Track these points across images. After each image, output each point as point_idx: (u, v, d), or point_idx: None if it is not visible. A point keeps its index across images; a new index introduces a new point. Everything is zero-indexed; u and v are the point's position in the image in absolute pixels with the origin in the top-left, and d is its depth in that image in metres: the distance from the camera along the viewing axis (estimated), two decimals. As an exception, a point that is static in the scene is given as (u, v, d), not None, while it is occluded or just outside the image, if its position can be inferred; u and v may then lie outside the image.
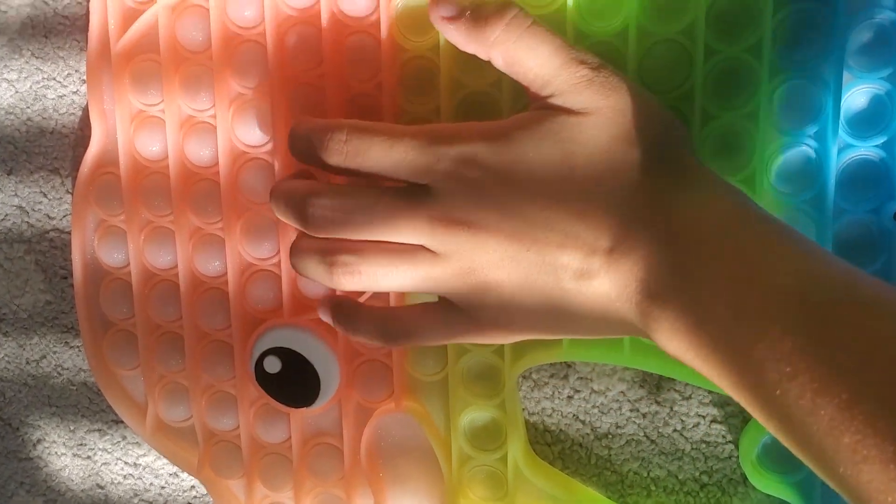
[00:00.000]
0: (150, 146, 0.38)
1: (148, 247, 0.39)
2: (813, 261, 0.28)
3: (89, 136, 0.38)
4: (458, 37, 0.31)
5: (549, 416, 0.39)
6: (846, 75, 0.33)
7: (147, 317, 0.40)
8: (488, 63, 0.32)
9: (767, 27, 0.33)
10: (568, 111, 0.30)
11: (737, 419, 0.38)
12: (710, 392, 0.38)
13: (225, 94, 0.37)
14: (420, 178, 0.31)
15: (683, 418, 0.38)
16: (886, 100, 0.33)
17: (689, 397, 0.38)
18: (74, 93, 0.40)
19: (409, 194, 0.31)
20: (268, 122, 0.37)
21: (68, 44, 0.39)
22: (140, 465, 0.43)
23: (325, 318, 0.35)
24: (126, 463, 0.43)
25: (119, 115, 0.38)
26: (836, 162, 0.34)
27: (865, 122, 0.34)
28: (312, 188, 0.32)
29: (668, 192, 0.30)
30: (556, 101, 0.30)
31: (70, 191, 0.41)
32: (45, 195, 0.41)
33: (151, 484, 0.43)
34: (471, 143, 0.30)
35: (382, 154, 0.31)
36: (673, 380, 0.38)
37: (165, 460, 0.43)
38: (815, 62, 0.33)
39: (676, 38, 0.34)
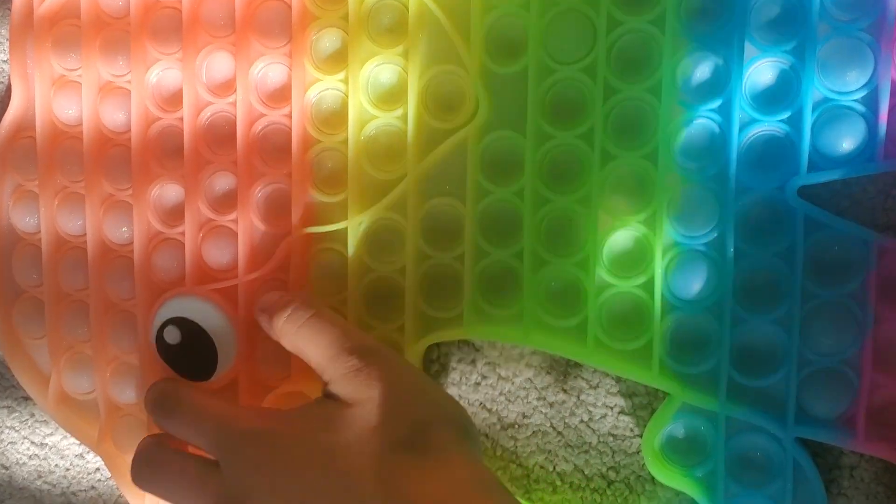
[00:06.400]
0: (68, 110, 0.38)
1: (60, 212, 0.38)
2: None
3: (13, 102, 0.38)
4: (262, 325, 0.35)
5: (456, 404, 0.37)
6: (750, 48, 0.32)
7: (56, 284, 0.38)
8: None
9: (671, -1, 0.32)
10: (340, 403, 0.32)
11: (645, 411, 0.36)
12: (617, 381, 0.36)
13: (141, 59, 0.36)
14: (211, 452, 0.33)
15: (591, 408, 0.36)
16: (791, 74, 0.32)
17: (597, 386, 0.36)
18: (5, 61, 0.40)
19: (202, 468, 0.33)
20: (181, 88, 0.36)
21: (0, 12, 0.40)
22: (47, 444, 0.41)
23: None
24: (32, 442, 0.41)
25: (39, 79, 0.37)
26: (740, 137, 0.32)
27: (769, 97, 0.32)
28: (143, 447, 0.35)
29: (415, 481, 0.30)
30: (332, 388, 0.32)
31: (-7, 157, 0.40)
32: (-32, 161, 0.40)
33: (56, 465, 0.41)
34: (255, 425, 0.32)
35: (186, 424, 0.34)
36: (581, 367, 0.36)
37: (71, 440, 0.41)
38: (718, 35, 0.32)
39: (580, 9, 0.33)
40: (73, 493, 0.41)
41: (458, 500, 0.29)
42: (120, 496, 0.41)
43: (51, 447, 0.41)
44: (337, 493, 0.30)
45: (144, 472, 0.34)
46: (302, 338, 0.33)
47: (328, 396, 0.32)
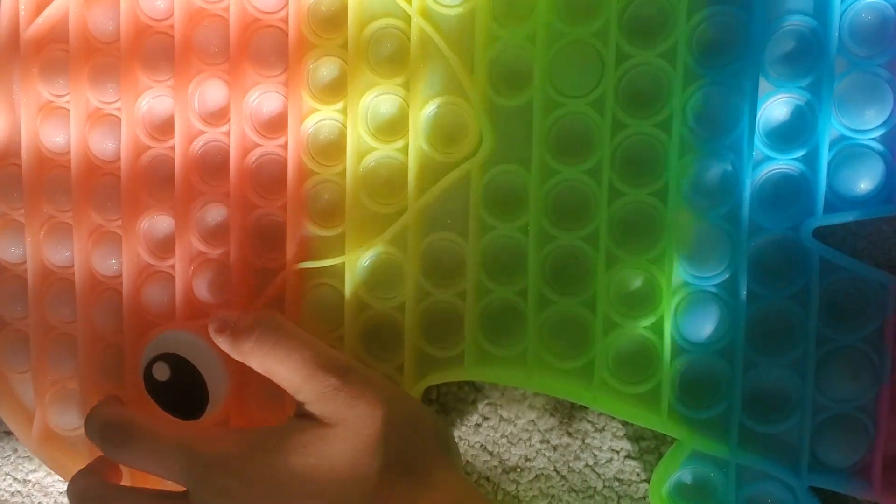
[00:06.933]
0: (55, 137, 0.36)
1: (47, 243, 0.36)
2: None
3: None
4: (224, 347, 0.33)
5: (456, 445, 0.36)
6: (764, 84, 0.31)
7: (42, 317, 0.37)
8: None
9: (682, 31, 0.31)
10: (318, 422, 0.30)
11: (652, 455, 0.34)
12: (624, 424, 0.35)
13: (132, 86, 0.35)
14: (179, 482, 0.31)
15: (596, 452, 0.35)
16: (807, 110, 0.31)
17: (603, 429, 0.35)
18: (-10, 85, 0.38)
19: (170, 500, 0.31)
20: (172, 117, 0.35)
21: (-14, 35, 0.38)
22: (30, 481, 0.40)
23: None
24: (15, 479, 0.40)
25: (25, 105, 0.36)
26: (753, 176, 0.31)
27: (784, 134, 0.31)
28: (88, 489, 0.33)
29: (408, 497, 0.29)
30: (309, 408, 0.31)
31: (-23, 185, 0.39)
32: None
33: (40, 503, 0.40)
34: (224, 451, 0.30)
35: (145, 454, 0.32)
36: (586, 410, 0.35)
37: (56, 477, 0.39)
38: (731, 69, 0.31)
39: (587, 41, 0.32)
40: (58, 532, 0.40)
41: None
42: (106, 535, 0.39)
43: (34, 484, 0.40)
44: None
45: None
46: (273, 359, 0.31)
47: (302, 416, 0.31)
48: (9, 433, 0.39)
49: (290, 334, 0.32)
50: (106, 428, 0.33)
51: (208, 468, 0.30)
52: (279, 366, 0.31)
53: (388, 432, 0.30)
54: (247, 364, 0.32)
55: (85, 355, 0.36)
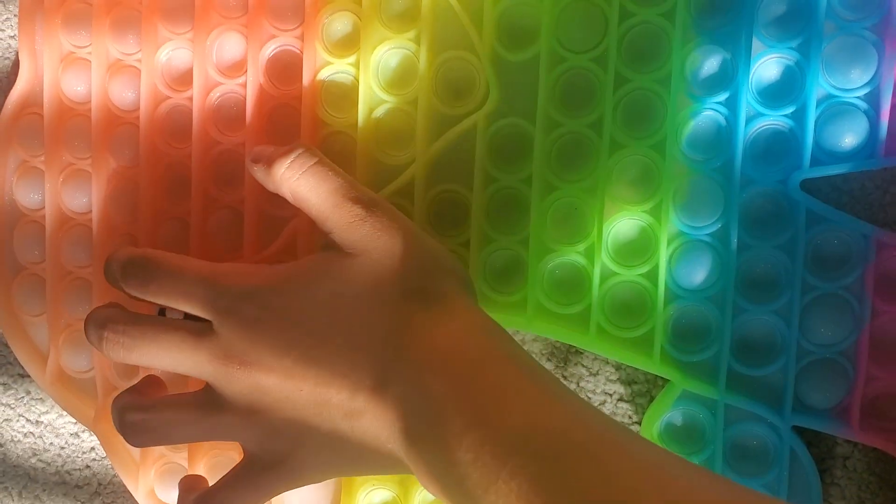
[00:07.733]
0: (76, 87, 0.37)
1: (65, 189, 0.38)
2: (541, 402, 0.28)
3: (20, 78, 0.38)
4: (258, 176, 0.33)
5: (456, 389, 0.37)
6: (757, 44, 0.32)
7: (58, 261, 0.38)
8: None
9: (682, -7, 0.33)
10: (341, 252, 0.31)
11: (644, 398, 0.36)
12: (617, 368, 0.36)
13: (152, 38, 0.36)
14: (204, 313, 0.32)
15: (590, 395, 0.36)
16: (796, 70, 0.32)
17: (597, 373, 0.36)
18: (12, 37, 0.39)
19: (195, 329, 0.32)
20: (191, 68, 0.36)
21: (9, -13, 0.39)
22: (42, 422, 0.41)
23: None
24: (28, 420, 0.41)
25: (48, 56, 0.37)
26: (746, 131, 0.33)
27: (775, 92, 0.33)
28: (113, 315, 0.33)
29: (427, 327, 0.30)
30: (334, 237, 0.32)
31: (-3, 133, 0.40)
32: (-29, 135, 0.40)
33: (51, 444, 0.41)
34: (251, 283, 0.31)
35: (169, 287, 0.32)
36: (581, 354, 0.36)
37: (67, 419, 0.41)
38: (726, 30, 0.33)
39: (592, -1, 0.33)
40: (68, 472, 0.41)
41: (469, 344, 0.29)
42: (115, 476, 0.40)
43: (46, 425, 0.41)
44: (343, 345, 0.30)
45: (123, 340, 0.32)
46: (304, 185, 0.32)
47: (328, 248, 0.32)
48: (22, 375, 0.40)
49: (322, 162, 0.32)
50: (128, 264, 0.33)
51: (237, 300, 0.31)
52: (309, 192, 0.32)
53: (409, 264, 0.31)
54: (278, 193, 0.33)
55: (100, 299, 0.37)
